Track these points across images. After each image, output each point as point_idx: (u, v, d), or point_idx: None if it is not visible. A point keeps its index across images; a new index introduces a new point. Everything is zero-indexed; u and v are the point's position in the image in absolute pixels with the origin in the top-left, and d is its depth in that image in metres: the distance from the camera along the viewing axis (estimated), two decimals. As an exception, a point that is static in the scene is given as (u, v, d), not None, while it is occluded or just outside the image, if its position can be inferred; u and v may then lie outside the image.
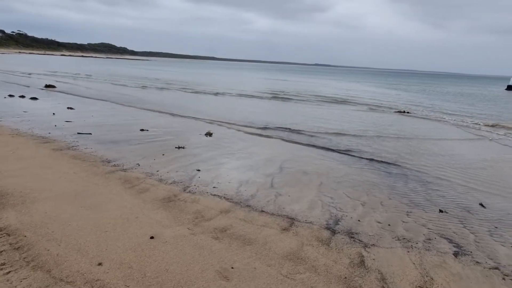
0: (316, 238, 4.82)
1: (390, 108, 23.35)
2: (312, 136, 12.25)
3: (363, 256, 4.44)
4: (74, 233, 4.48)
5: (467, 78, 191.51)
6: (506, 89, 65.52)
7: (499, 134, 15.58)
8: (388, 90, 45.59)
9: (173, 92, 26.80)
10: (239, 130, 12.46)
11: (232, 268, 3.97)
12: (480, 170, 9.14)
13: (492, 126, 18.14)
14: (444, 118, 19.86)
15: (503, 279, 4.17)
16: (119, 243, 4.31)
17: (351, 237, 4.93)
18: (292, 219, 5.42)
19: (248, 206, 5.81)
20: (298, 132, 12.84)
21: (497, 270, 4.35)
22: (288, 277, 3.87)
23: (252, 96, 25.25)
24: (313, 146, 10.69)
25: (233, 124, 13.68)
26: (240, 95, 25.90)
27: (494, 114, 23.87)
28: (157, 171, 7.34)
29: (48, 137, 9.62)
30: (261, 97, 24.88)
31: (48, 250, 4.05)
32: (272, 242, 4.63)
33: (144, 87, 29.54)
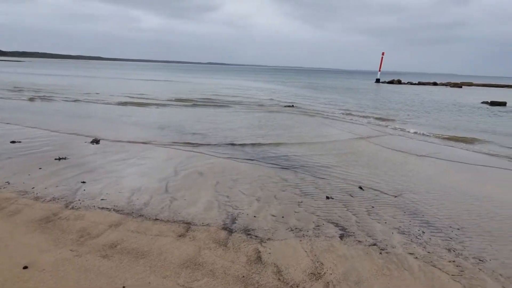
0: (214, 240, 4.77)
1: (282, 102, 24.66)
2: (206, 136, 12.19)
3: (259, 251, 4.53)
4: None
5: (345, 73, 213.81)
6: (375, 82, 75.22)
7: (371, 123, 17.62)
8: (280, 86, 48.15)
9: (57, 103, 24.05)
10: (129, 140, 11.74)
11: (124, 287, 3.67)
12: (357, 156, 10.20)
13: (364, 117, 20.43)
14: (324, 110, 21.75)
15: (380, 253, 4.68)
16: (-19, 281, 3.64)
17: (248, 234, 5.00)
18: (189, 223, 5.28)
19: (141, 215, 5.48)
20: (192, 133, 12.66)
21: (375, 246, 4.87)
22: (185, 286, 3.74)
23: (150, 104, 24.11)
24: (208, 145, 10.63)
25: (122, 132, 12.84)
26: (125, 103, 24.50)
27: (369, 105, 27.01)
28: (33, 188, 6.45)
29: None
30: (162, 101, 23.91)
31: None
32: (167, 251, 4.43)
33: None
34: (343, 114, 20.66)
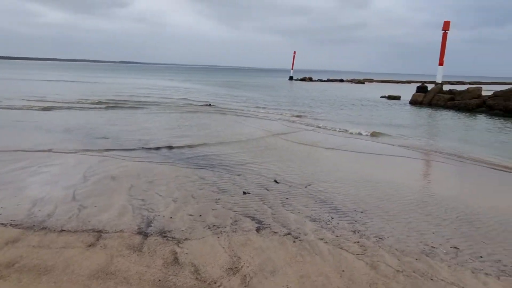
0: (127, 246, 4.57)
1: (199, 101, 24.44)
2: (119, 139, 11.58)
3: (176, 253, 4.46)
4: None
5: (260, 71, 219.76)
6: (288, 79, 78.80)
7: (285, 120, 18.41)
8: (197, 85, 47.63)
9: None
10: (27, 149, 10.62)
11: (23, 308, 3.33)
12: (272, 152, 10.59)
13: (279, 113, 21.27)
14: (241, 108, 22.16)
15: (294, 241, 4.93)
16: None
17: (164, 236, 4.89)
18: (100, 231, 4.97)
19: (44, 228, 5.01)
20: (104, 137, 11.92)
21: (289, 235, 5.11)
22: (96, 298, 3.52)
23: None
24: (121, 149, 10.11)
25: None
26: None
27: (284, 101, 28.16)
28: None
29: None
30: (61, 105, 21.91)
31: None
32: (75, 263, 4.12)
33: None
34: (259, 111, 21.23)
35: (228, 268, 4.17)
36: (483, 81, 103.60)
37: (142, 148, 10.23)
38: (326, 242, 4.94)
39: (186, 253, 4.46)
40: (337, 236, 5.17)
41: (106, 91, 30.52)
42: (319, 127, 15.93)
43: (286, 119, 18.24)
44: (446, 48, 30.31)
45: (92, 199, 6.18)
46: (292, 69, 79.25)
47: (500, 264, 4.60)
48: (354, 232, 5.34)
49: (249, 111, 21.09)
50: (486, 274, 4.33)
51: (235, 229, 5.24)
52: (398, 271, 4.29)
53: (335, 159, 10.17)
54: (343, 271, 4.22)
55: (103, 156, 9.15)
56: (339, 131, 15.22)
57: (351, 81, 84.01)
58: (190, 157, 9.46)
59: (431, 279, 4.14)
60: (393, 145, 12.74)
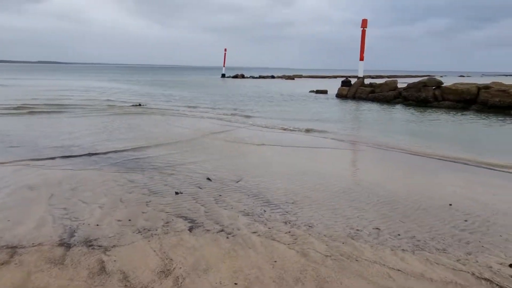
0: (47, 260, 4.22)
1: (128, 101, 23.37)
2: (38, 146, 10.66)
3: (103, 261, 4.22)
4: None
5: (192, 69, 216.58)
6: (221, 77, 78.73)
7: (219, 118, 18.37)
8: (126, 85, 45.48)
9: None
10: None
11: None
12: (204, 150, 10.51)
13: (212, 112, 21.16)
14: (173, 107, 21.68)
15: (227, 237, 4.94)
16: None
17: (90, 246, 4.60)
18: (14, 247, 4.53)
19: None
20: (19, 145, 10.88)
21: (222, 232, 5.11)
22: (11, 320, 3.21)
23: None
24: (41, 159, 9.29)
25: None
26: None
27: (217, 99, 28.04)
28: None
29: None
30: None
31: None
32: (-15, 285, 3.71)
33: None
34: (191, 110, 20.92)
35: (160, 271, 4.05)
36: (398, 74, 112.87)
37: (64, 155, 9.50)
38: (259, 235, 5.03)
39: (114, 261, 4.24)
40: (269, 228, 5.28)
41: (24, 94, 27.79)
42: (252, 124, 16.13)
43: (219, 117, 18.19)
44: (365, 44, 32.47)
45: (4, 212, 5.61)
46: (224, 66, 79.21)
47: (415, 239, 5.05)
48: (286, 222, 5.50)
49: (181, 110, 20.68)
50: (403, 250, 4.73)
51: (167, 230, 5.10)
52: (326, 256, 4.51)
53: (267, 154, 10.38)
54: (275, 261, 4.33)
55: (19, 165, 8.34)
56: (272, 127, 15.55)
57: (282, 77, 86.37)
58: (118, 161, 9.01)
59: (356, 260, 4.42)
60: (323, 138, 13.36)
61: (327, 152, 10.96)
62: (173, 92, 34.55)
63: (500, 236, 5.23)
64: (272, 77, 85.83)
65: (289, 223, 5.49)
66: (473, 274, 4.18)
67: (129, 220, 5.43)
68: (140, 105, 22.14)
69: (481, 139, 14.23)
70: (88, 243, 4.68)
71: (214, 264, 4.23)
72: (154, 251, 4.51)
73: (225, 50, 75.18)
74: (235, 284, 3.84)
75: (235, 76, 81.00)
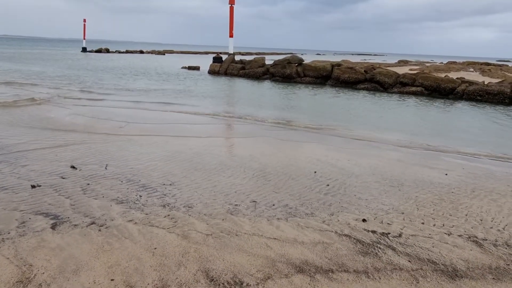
0: None
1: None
2: None
3: None
4: None
5: (45, 41, 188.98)
6: (81, 51, 70.65)
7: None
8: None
9: None
10: None
11: None
12: (58, 133, 9.35)
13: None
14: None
15: (99, 230, 4.51)
16: None
17: None
18: None
19: None
20: None
21: (93, 225, 4.64)
22: None
23: None
24: None
25: None
26: None
27: (65, 75, 25.07)
28: None
29: None
30: None
31: None
32: None
33: None
34: (33, 89, 18.28)
35: (17, 282, 3.46)
36: (265, 51, 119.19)
37: None
38: (136, 223, 4.73)
39: (-49, 279, 3.46)
40: (146, 214, 5.02)
41: None
42: (114, 101, 14.98)
43: (66, 95, 16.32)
44: (234, 21, 33.04)
45: None
46: (84, 39, 71.08)
47: (287, 207, 5.46)
48: (164, 206, 5.31)
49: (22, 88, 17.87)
50: (278, 219, 5.07)
51: (23, 232, 4.38)
52: (207, 235, 4.52)
53: (137, 134, 9.79)
54: (155, 248, 4.14)
55: None
56: (143, 105, 14.70)
57: (152, 52, 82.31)
58: None
59: (236, 235, 4.55)
60: (196, 115, 13.24)
61: (202, 129, 10.93)
62: (28, 68, 29.53)
63: (355, 195, 6.06)
64: (141, 52, 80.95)
65: (168, 206, 5.31)
66: (336, 232, 4.75)
67: (-30, 226, 4.48)
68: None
69: (337, 112, 16.12)
70: None
71: (85, 262, 3.82)
72: (8, 258, 3.82)
73: (84, 21, 67.38)
74: (112, 280, 3.55)
75: (99, 51, 73.69)
